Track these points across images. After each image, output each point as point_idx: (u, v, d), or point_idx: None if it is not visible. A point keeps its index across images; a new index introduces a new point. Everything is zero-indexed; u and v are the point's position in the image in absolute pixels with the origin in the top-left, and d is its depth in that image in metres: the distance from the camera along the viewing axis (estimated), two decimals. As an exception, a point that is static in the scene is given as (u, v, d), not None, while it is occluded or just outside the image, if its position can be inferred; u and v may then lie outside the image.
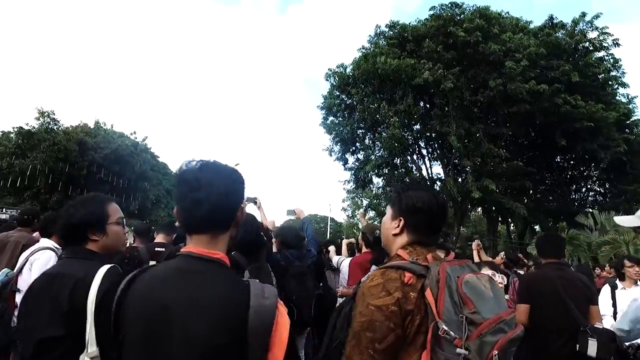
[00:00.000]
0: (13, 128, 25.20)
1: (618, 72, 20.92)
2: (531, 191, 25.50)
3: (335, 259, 4.99)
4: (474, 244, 4.97)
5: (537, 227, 26.48)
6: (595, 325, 2.48)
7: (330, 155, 23.94)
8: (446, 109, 19.07)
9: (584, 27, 18.49)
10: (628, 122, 23.24)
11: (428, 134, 21.85)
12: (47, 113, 25.48)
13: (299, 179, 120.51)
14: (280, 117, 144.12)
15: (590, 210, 20.40)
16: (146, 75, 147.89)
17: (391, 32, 19.96)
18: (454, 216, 22.13)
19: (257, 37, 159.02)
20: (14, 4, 79.80)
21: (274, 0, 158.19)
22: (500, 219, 27.78)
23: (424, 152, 22.72)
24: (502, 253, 5.35)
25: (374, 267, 3.26)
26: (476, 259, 5.04)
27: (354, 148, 23.93)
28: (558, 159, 24.80)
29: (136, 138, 29.20)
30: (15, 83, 74.41)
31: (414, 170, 22.07)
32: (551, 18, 18.93)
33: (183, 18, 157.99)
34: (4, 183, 23.78)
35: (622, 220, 2.14)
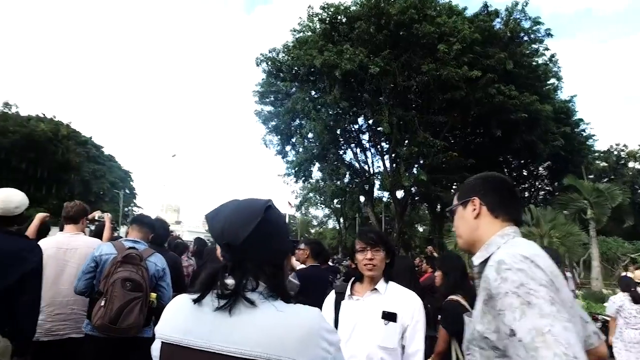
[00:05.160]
0: None
1: (555, 65, 20.75)
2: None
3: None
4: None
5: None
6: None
7: (267, 147, 22.59)
8: (381, 97, 18.14)
9: (518, 16, 18.08)
10: (570, 120, 23.22)
11: (367, 125, 20.92)
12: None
13: (259, 175, 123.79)
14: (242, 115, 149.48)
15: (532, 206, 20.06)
16: (93, 64, 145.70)
17: (324, 14, 18.90)
18: (395, 211, 21.12)
19: (220, 34, 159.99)
20: None
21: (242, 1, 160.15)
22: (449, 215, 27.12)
23: (366, 144, 21.69)
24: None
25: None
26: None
27: (293, 140, 22.71)
28: (509, 156, 24.35)
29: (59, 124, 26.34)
30: None
31: (353, 161, 21.03)
32: (485, 5, 18.39)
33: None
34: None
35: None
